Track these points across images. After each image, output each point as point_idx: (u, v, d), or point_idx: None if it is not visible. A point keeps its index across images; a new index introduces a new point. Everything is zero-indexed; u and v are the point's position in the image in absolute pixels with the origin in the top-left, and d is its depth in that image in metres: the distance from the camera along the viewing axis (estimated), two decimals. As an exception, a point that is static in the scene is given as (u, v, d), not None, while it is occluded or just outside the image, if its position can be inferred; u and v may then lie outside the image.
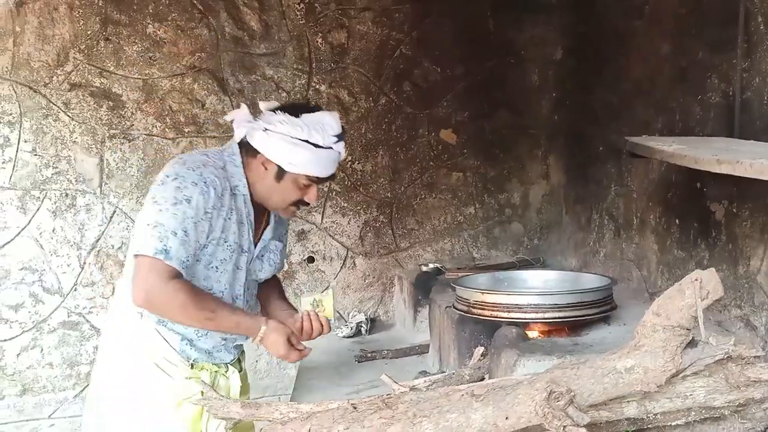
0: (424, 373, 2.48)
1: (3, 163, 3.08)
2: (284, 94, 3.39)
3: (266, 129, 1.81)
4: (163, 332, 1.82)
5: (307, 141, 1.78)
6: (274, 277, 2.12)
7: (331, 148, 1.81)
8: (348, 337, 3.33)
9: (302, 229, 3.45)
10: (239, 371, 2.02)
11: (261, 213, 1.91)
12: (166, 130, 3.25)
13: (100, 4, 3.12)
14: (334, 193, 3.48)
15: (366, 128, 3.49)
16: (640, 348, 1.33)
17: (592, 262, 3.20)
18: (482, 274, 2.42)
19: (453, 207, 3.61)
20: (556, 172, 3.65)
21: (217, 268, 1.82)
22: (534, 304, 2.05)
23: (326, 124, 1.81)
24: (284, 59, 3.37)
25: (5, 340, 3.12)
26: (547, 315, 2.04)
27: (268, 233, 1.94)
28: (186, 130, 3.28)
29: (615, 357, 1.34)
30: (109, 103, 3.16)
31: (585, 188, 3.30)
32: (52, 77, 3.09)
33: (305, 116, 1.81)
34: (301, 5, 3.37)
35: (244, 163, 1.85)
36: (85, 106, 3.14)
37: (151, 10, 3.18)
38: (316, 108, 1.89)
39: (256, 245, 1.91)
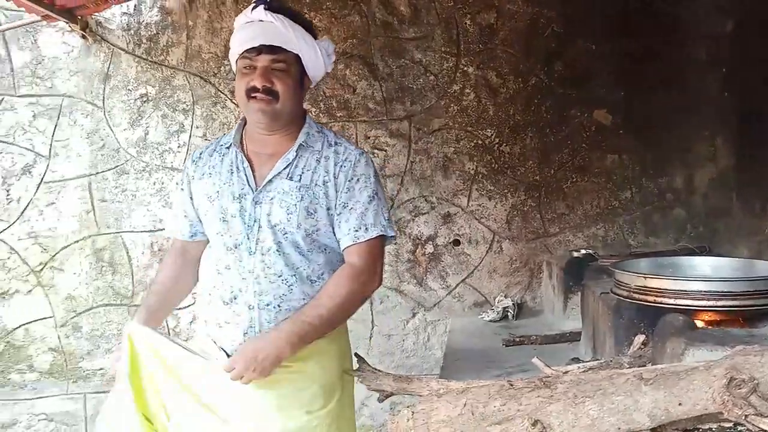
0: (576, 360, 2.39)
1: (178, 147, 3.38)
2: (432, 77, 3.40)
3: None
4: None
5: (239, 27, 1.76)
6: (343, 270, 1.75)
7: (252, 21, 1.73)
8: (493, 321, 3.29)
9: (448, 212, 3.46)
10: None
11: (271, 156, 1.78)
12: (320, 114, 3.38)
13: (261, -3, 3.31)
14: (480, 176, 3.45)
15: (514, 110, 3.42)
16: (842, 337, 1.18)
17: (766, 252, 2.90)
18: (643, 260, 2.27)
19: (607, 191, 3.43)
20: (724, 154, 3.35)
21: (204, 218, 1.83)
22: (704, 291, 1.89)
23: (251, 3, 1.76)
24: (432, 42, 3.39)
25: (179, 308, 3.43)
26: (719, 303, 1.88)
27: (271, 173, 1.75)
28: (338, 114, 3.40)
29: (810, 346, 1.21)
30: (269, 90, 3.35)
31: (759, 171, 2.99)
32: (220, 67, 3.33)
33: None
34: (451, -13, 3.36)
35: None
36: (248, 94, 3.35)
37: (307, 0, 3.32)
38: None
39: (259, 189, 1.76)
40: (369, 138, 3.42)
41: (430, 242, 3.46)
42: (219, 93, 3.34)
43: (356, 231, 1.74)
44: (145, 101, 3.37)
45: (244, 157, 1.78)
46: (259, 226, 1.72)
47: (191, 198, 1.84)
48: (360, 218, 1.74)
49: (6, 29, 3.28)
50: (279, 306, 1.71)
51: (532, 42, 3.39)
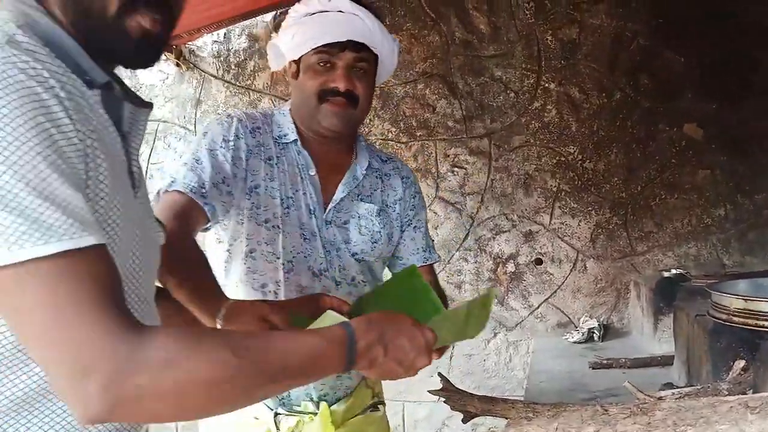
0: (669, 386, 2.29)
1: (263, 168, 3.50)
2: (512, 95, 3.38)
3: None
4: None
5: (306, 14, 1.47)
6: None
7: (327, 11, 1.45)
8: (579, 342, 3.20)
9: (530, 230, 3.40)
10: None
11: (331, 167, 1.52)
12: (400, 134, 3.42)
13: (343, 21, 3.40)
14: (563, 193, 3.38)
15: (598, 125, 3.34)
16: None
17: None
18: (742, 281, 2.16)
19: (699, 208, 3.29)
20: (829, 168, 3.15)
21: (277, 227, 1.44)
22: (812, 315, 1.78)
23: None
24: (513, 59, 3.37)
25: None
26: (828, 328, 1.76)
27: (342, 190, 1.51)
28: (418, 134, 3.43)
29: None
30: (351, 111, 3.42)
31: None
32: (303, 90, 3.43)
33: None
34: (531, 4, 3.33)
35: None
36: (329, 115, 3.44)
37: (387, 22, 3.37)
38: None
39: (327, 207, 1.50)
40: (448, 156, 3.42)
41: (512, 261, 3.42)
42: (303, 115, 3.45)
43: (424, 251, 1.61)
44: (233, 124, 3.51)
45: (312, 164, 1.50)
46: (337, 249, 1.50)
47: (234, 161, 1.40)
48: (425, 238, 1.62)
49: (107, 60, 3.51)
50: None
51: (616, 56, 3.31)
